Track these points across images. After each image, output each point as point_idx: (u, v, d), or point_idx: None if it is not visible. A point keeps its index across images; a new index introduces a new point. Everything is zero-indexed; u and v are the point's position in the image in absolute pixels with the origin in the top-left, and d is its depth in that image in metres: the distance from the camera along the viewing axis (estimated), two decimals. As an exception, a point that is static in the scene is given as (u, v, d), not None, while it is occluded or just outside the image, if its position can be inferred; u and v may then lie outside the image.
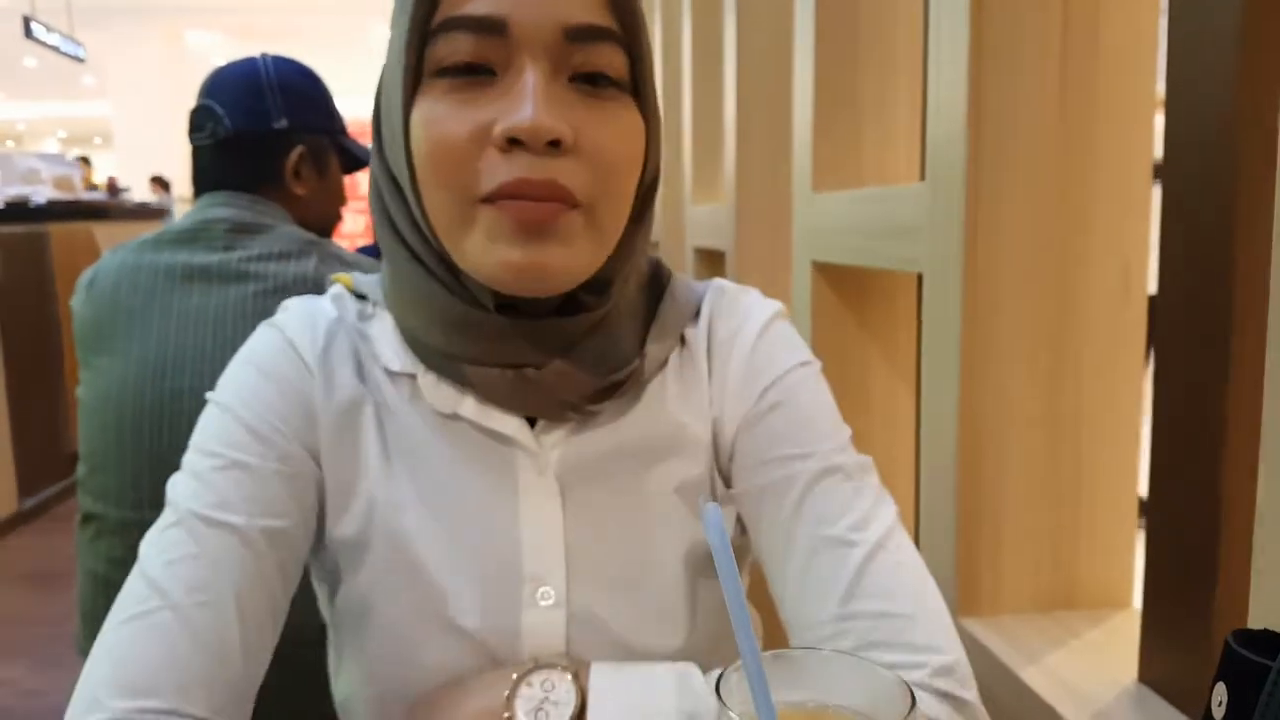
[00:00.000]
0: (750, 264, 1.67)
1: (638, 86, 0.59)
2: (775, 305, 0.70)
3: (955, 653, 0.57)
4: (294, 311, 0.66)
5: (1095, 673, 0.79)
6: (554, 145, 0.54)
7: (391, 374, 0.64)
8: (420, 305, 0.62)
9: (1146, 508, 0.78)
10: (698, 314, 0.69)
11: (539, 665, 0.58)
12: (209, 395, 0.63)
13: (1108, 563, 0.92)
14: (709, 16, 1.92)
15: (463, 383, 0.62)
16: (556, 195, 0.55)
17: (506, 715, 0.56)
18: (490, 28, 0.54)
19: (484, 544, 0.62)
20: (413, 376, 0.64)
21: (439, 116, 0.55)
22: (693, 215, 2.08)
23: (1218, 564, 0.69)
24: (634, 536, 0.64)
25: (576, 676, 0.56)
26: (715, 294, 0.70)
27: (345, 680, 0.66)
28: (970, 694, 0.56)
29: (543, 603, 0.61)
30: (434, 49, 0.56)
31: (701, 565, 0.64)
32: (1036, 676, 0.79)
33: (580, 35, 0.55)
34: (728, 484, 0.67)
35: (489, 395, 0.62)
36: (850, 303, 1.28)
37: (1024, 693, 0.78)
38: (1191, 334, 0.71)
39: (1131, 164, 0.86)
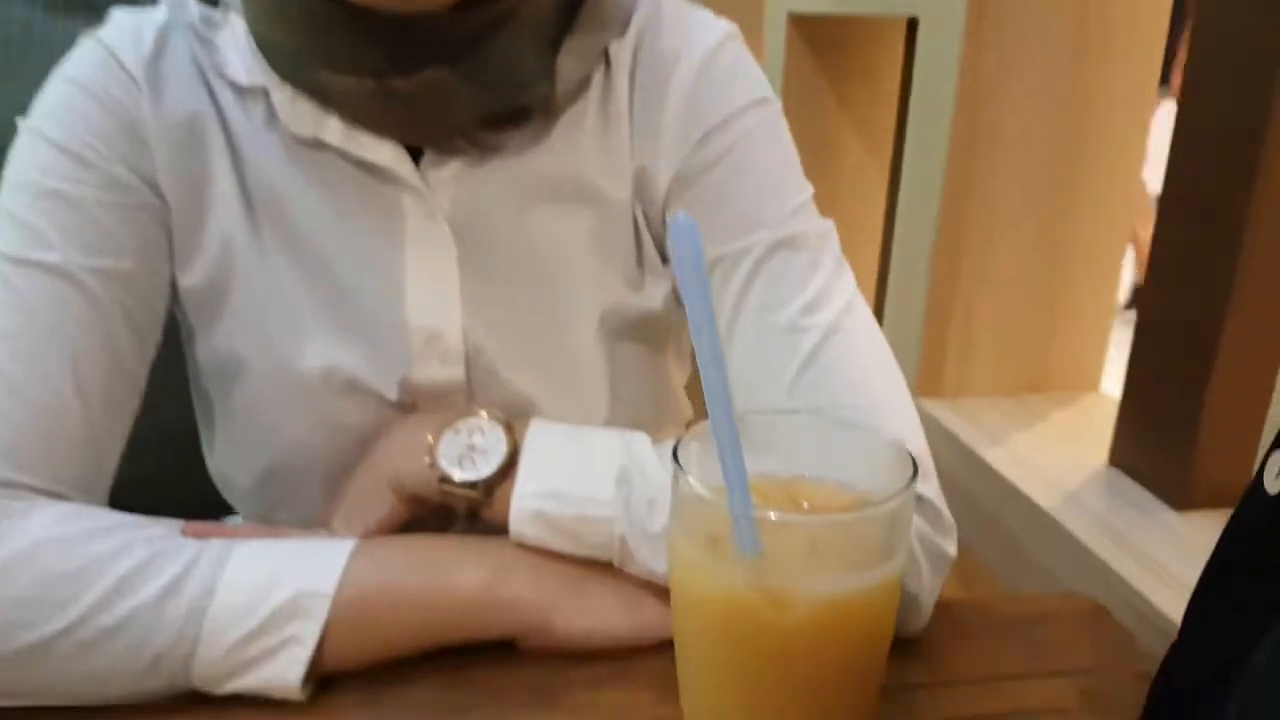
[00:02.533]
0: (715, 13, 1.54)
1: None
2: (727, 26, 0.58)
3: (916, 443, 0.51)
4: (117, 18, 0.54)
5: (1064, 455, 0.75)
6: None
7: (240, 90, 0.53)
8: None
9: (1137, 295, 0.72)
10: (627, 27, 0.56)
11: (467, 413, 0.51)
12: (19, 120, 0.51)
13: (1081, 348, 0.88)
14: None
15: (324, 98, 0.51)
16: None
17: (428, 461, 0.50)
18: None
19: (364, 297, 0.53)
20: (266, 92, 0.52)
21: None
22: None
23: (1214, 356, 0.64)
24: (542, 294, 0.55)
25: (510, 429, 0.50)
26: (651, 4, 0.57)
27: (221, 456, 0.58)
28: (929, 489, 0.50)
29: (437, 361, 0.53)
30: None
31: (621, 330, 0.56)
32: (1001, 458, 0.75)
33: None
34: (660, 250, 0.57)
35: (354, 114, 0.51)
36: (827, 61, 1.17)
37: (988, 475, 0.74)
38: (1209, 126, 0.63)
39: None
